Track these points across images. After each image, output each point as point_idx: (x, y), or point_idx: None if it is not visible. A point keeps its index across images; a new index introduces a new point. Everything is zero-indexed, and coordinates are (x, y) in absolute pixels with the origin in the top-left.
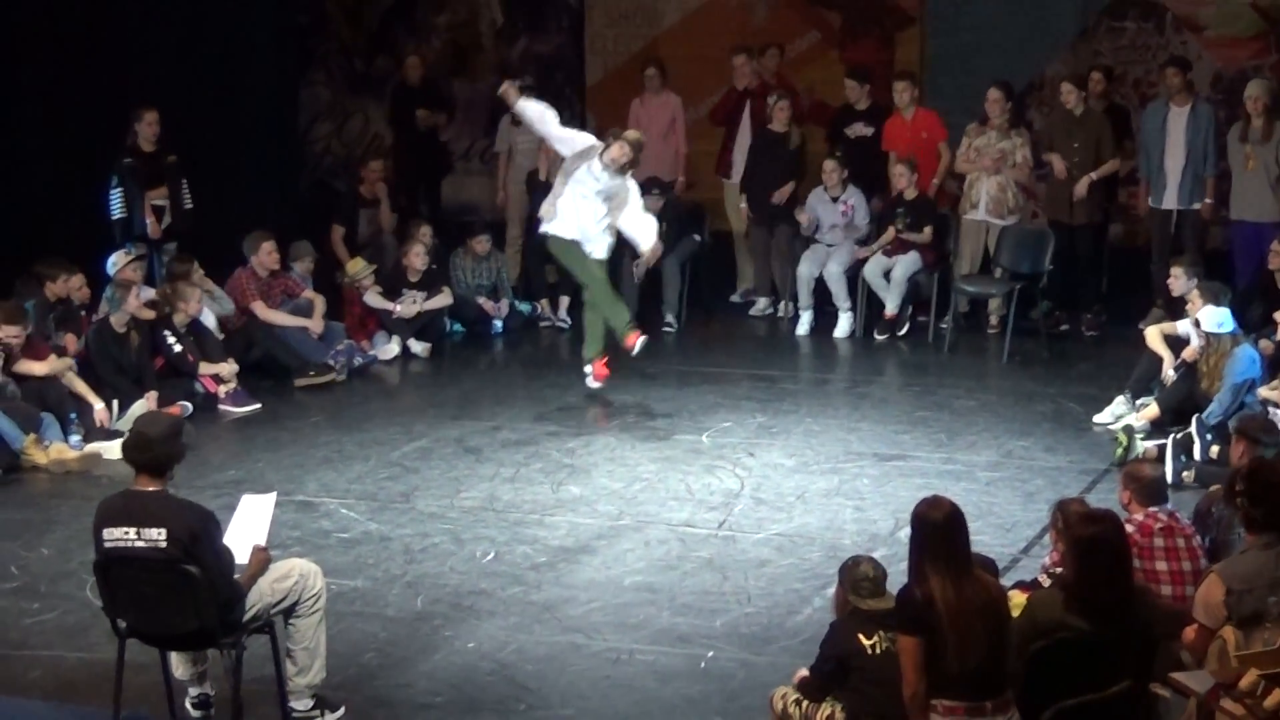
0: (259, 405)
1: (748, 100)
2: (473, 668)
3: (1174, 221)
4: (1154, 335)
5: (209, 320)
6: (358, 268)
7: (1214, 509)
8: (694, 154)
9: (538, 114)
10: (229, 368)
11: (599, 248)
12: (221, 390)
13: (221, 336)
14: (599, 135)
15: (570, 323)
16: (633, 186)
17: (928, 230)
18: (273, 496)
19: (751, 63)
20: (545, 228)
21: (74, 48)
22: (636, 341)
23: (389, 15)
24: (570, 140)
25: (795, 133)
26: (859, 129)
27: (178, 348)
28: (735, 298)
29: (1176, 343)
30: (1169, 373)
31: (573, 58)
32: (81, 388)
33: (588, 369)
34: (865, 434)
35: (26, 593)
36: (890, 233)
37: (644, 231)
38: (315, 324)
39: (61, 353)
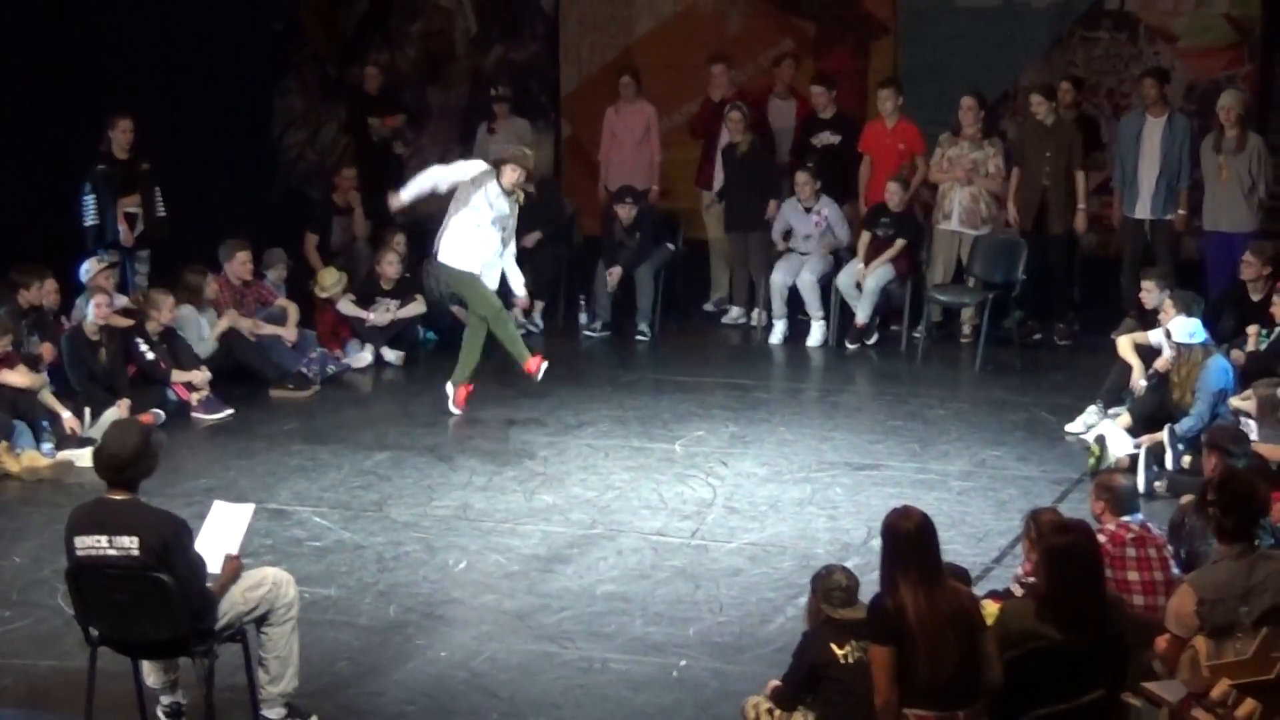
0: (231, 411)
1: (722, 111)
2: (445, 676)
3: (1147, 231)
4: (1125, 345)
5: (203, 332)
6: (329, 280)
7: (1186, 519)
8: (668, 162)
9: (427, 180)
10: (202, 375)
11: (492, 277)
12: (194, 398)
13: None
14: (570, 146)
15: (542, 327)
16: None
17: (899, 244)
18: (250, 508)
19: (729, 72)
20: (442, 258)
21: (47, 54)
22: (540, 366)
23: (363, 23)
24: (461, 168)
25: (745, 141)
26: (826, 137)
27: (150, 355)
28: (709, 306)
29: (1148, 352)
30: (1139, 382)
31: (548, 66)
32: (52, 402)
33: (450, 391)
34: (838, 443)
35: None
36: (866, 238)
37: (517, 275)
38: (289, 332)
39: (36, 361)
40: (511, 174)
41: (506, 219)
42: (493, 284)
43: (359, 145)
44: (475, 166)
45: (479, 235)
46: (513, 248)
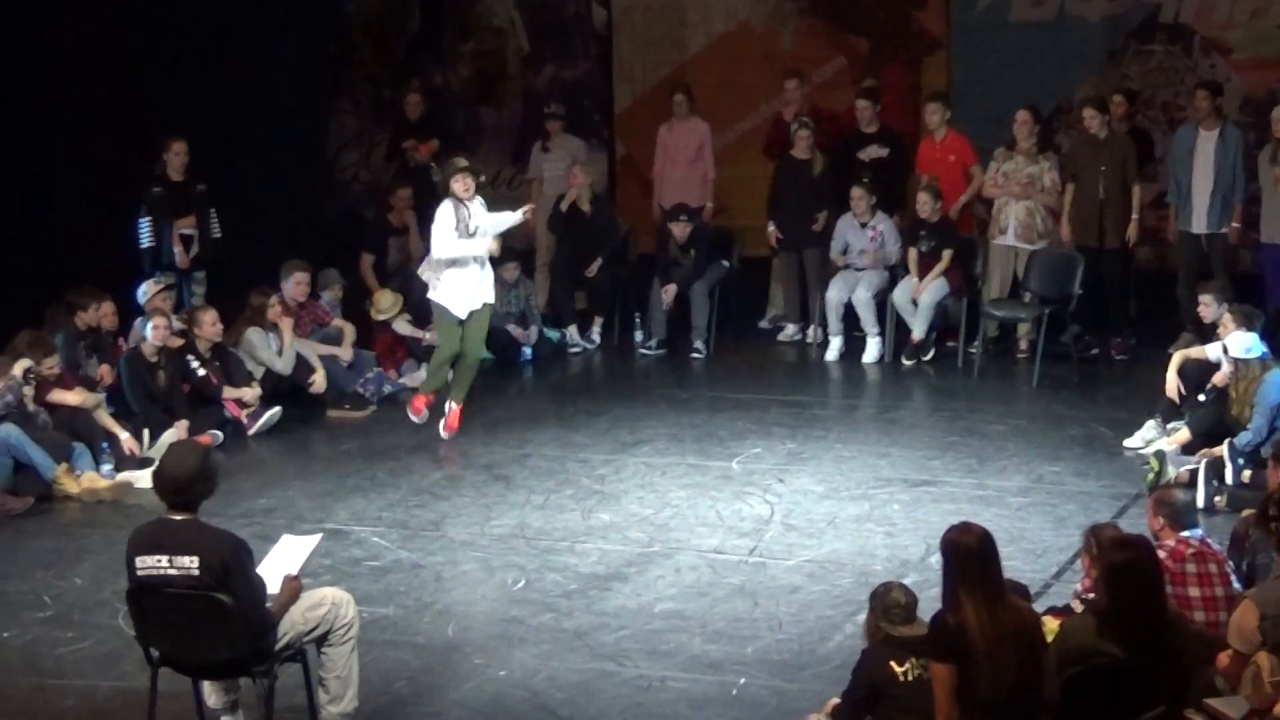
0: (278, 409)
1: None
2: (504, 695)
3: (1203, 245)
4: (1175, 361)
5: (277, 348)
6: (386, 302)
7: (1250, 532)
8: (722, 180)
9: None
10: (252, 392)
11: (484, 279)
12: (245, 415)
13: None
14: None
15: (599, 343)
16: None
17: (947, 254)
18: (317, 539)
19: (803, 88)
20: (436, 297)
21: (102, 78)
22: (421, 409)
23: (415, 43)
24: (443, 222)
25: (819, 160)
26: (873, 151)
27: (201, 371)
28: (764, 323)
29: (1207, 367)
30: (1174, 400)
31: (600, 84)
32: (109, 422)
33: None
34: (895, 459)
35: (60, 622)
36: (913, 254)
37: (503, 217)
38: (345, 352)
39: (94, 384)
40: (459, 184)
41: (471, 220)
42: (487, 287)
43: (398, 173)
44: (443, 218)
45: (467, 274)
46: (496, 222)
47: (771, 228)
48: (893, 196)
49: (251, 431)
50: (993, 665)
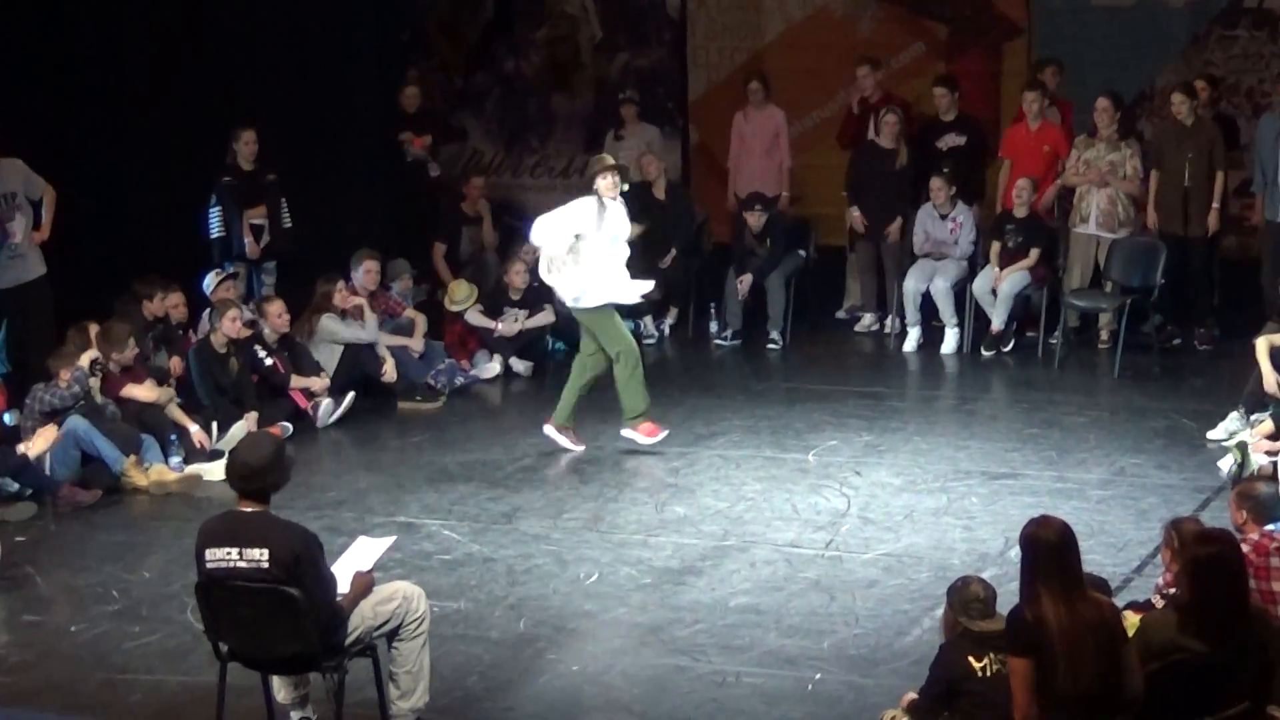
0: (353, 395)
1: (871, 114)
2: (577, 690)
3: None
4: (1262, 348)
5: (359, 334)
6: (461, 293)
7: None
8: (798, 168)
9: (551, 239)
10: (320, 382)
11: (629, 286)
12: (311, 406)
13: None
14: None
15: (672, 334)
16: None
17: (1035, 253)
18: (391, 539)
19: (875, 74)
20: (592, 301)
21: (172, 67)
22: (657, 434)
23: (488, 31)
24: (568, 217)
25: (904, 150)
26: (951, 140)
27: (268, 361)
28: (841, 313)
29: None
30: (1272, 387)
31: (674, 72)
32: (179, 416)
33: (551, 432)
34: (974, 452)
35: (128, 616)
36: (995, 247)
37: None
38: (416, 343)
39: (164, 376)
40: (606, 183)
41: (615, 224)
42: (633, 293)
43: (382, 169)
44: (577, 206)
45: (602, 266)
46: (627, 231)
47: (856, 212)
48: (970, 186)
49: (333, 417)
50: (1071, 660)
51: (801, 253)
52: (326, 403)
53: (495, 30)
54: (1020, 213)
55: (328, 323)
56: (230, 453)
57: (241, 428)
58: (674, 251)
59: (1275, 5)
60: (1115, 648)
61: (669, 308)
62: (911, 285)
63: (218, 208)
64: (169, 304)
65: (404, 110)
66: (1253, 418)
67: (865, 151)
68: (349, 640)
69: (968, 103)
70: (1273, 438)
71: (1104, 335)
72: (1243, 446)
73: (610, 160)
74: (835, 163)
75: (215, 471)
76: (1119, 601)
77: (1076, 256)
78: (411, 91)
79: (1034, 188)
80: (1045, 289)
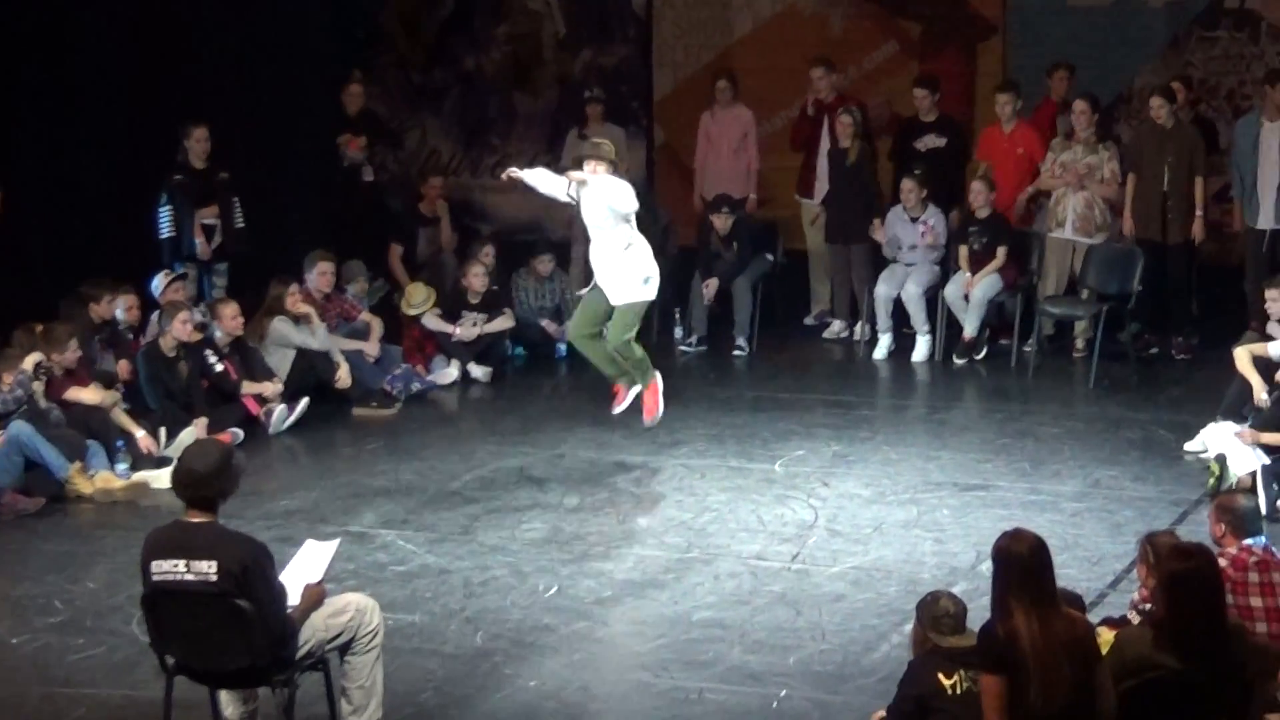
0: (306, 400)
1: (824, 116)
2: (535, 707)
3: (1268, 241)
4: (1243, 358)
5: (308, 340)
6: (418, 296)
7: None
8: (767, 170)
9: (544, 180)
10: (273, 387)
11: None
12: (263, 412)
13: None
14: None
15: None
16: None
17: (1001, 252)
18: (336, 543)
19: (830, 76)
20: (645, 284)
21: (122, 62)
22: (624, 400)
23: (447, 26)
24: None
25: (855, 147)
26: (930, 141)
27: (219, 366)
28: (809, 320)
29: (1267, 366)
30: (1261, 397)
31: (640, 70)
32: (125, 420)
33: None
34: (945, 463)
35: (71, 628)
36: (964, 251)
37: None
38: (371, 347)
39: (110, 379)
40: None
41: (592, 203)
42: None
43: (329, 170)
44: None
45: (595, 246)
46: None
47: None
48: (948, 189)
49: (287, 423)
50: (1044, 677)
51: (769, 257)
52: (279, 409)
53: (455, 26)
54: (981, 213)
55: (279, 326)
56: (178, 460)
57: (190, 434)
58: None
59: (1256, 6)
60: (1089, 665)
61: None
62: (883, 291)
63: (168, 207)
64: (124, 306)
65: (345, 111)
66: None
67: (828, 156)
68: (300, 654)
69: (942, 104)
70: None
71: (1079, 343)
72: (1221, 459)
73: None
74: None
75: (162, 479)
76: (1093, 617)
77: (1052, 262)
78: (354, 91)
79: (990, 185)
80: (1019, 295)
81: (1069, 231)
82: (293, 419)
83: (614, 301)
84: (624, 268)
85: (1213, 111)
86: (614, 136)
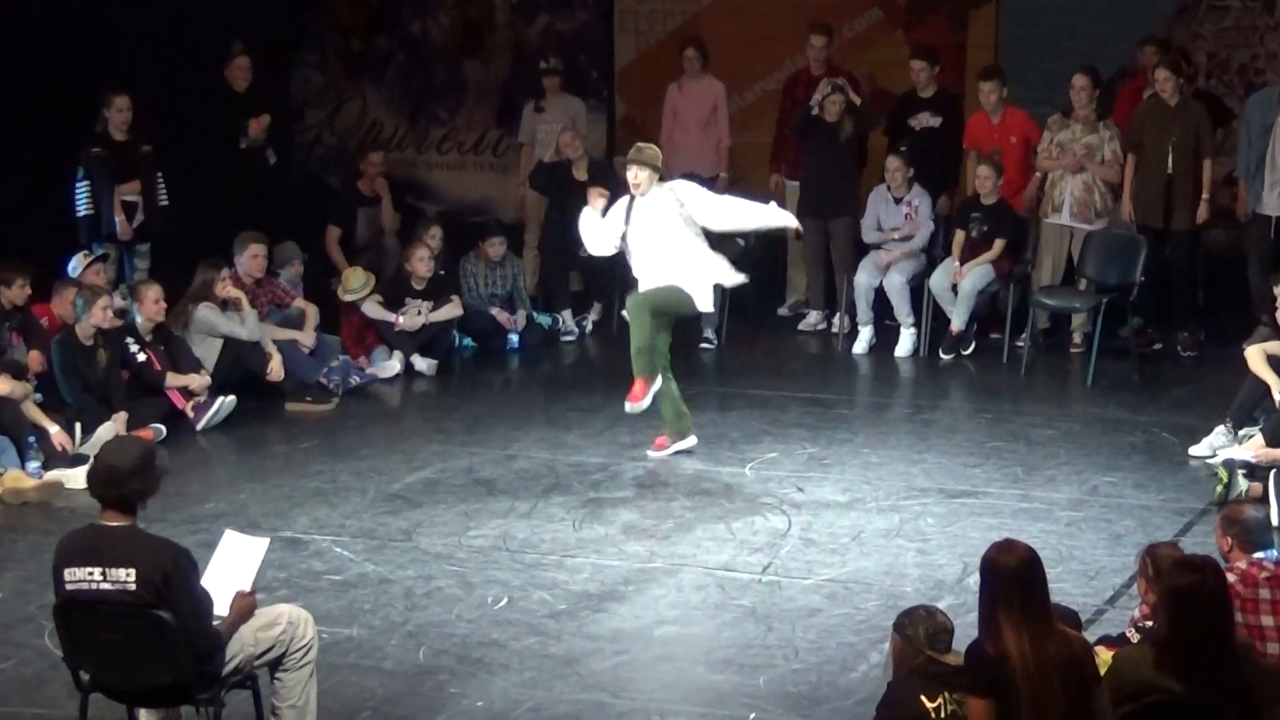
0: (232, 398)
1: (807, 86)
2: None
3: (1275, 229)
4: (1256, 356)
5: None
6: (355, 281)
7: None
8: (738, 146)
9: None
10: (200, 380)
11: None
12: (190, 406)
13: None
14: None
15: (594, 331)
16: (681, 191)
17: (999, 244)
18: (265, 543)
19: (830, 46)
20: (721, 282)
21: (37, 27)
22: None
23: None
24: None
25: (848, 123)
26: (925, 119)
27: (141, 356)
28: (784, 310)
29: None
30: (1278, 398)
31: (600, 37)
32: (38, 416)
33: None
34: (930, 467)
35: None
36: (959, 237)
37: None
38: (306, 337)
39: (21, 370)
40: (631, 176)
41: (654, 219)
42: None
43: (223, 153)
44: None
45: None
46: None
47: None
48: (940, 172)
49: (201, 425)
50: (1035, 701)
51: (740, 241)
52: (212, 403)
53: None
54: (988, 200)
55: (205, 313)
56: (94, 458)
57: (109, 430)
58: None
59: None
60: (1085, 688)
61: (591, 302)
62: (863, 280)
63: (86, 182)
64: (25, 291)
65: (232, 87)
66: (1241, 433)
67: (808, 129)
68: (227, 669)
69: (940, 78)
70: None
71: (1077, 338)
72: (1229, 466)
73: (646, 153)
74: None
75: (77, 479)
76: (1089, 636)
77: (1047, 250)
78: (240, 64)
79: (999, 169)
80: (1012, 286)
81: (1066, 217)
82: (211, 415)
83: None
84: (692, 273)
85: (1222, 87)
86: (573, 109)
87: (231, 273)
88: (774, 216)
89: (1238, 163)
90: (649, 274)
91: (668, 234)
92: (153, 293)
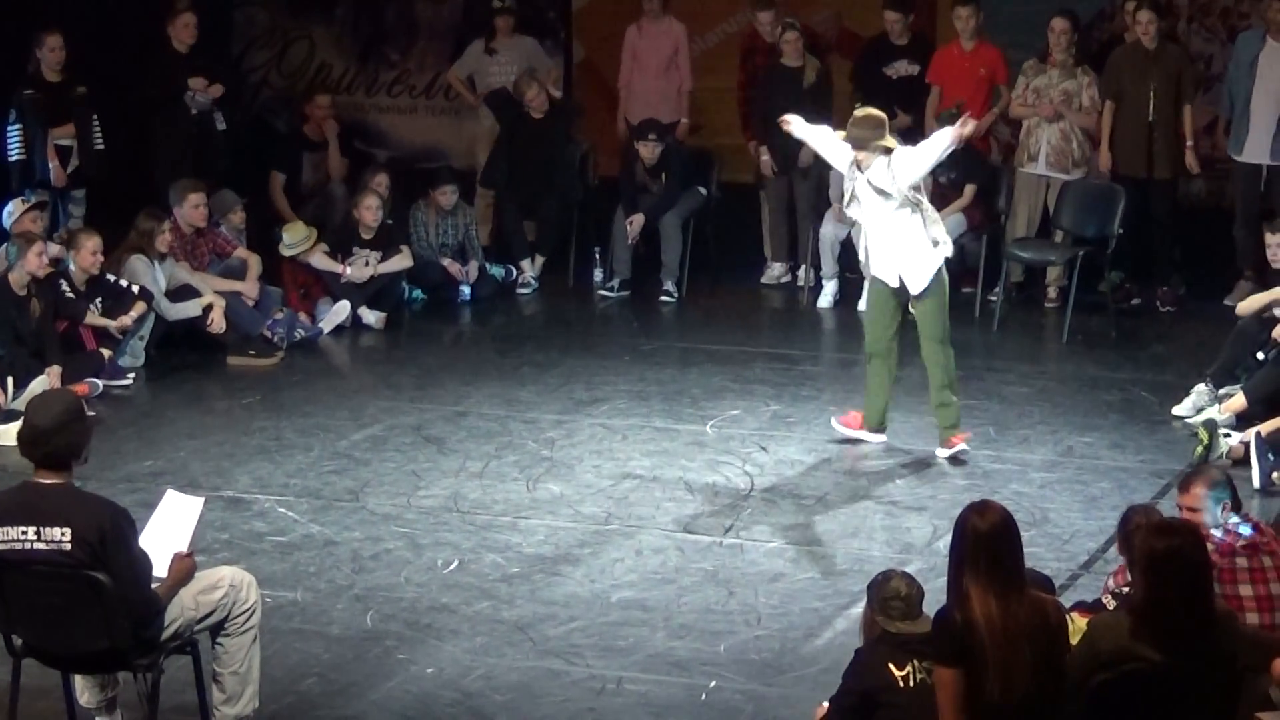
0: (130, 381)
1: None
2: (432, 696)
3: (1263, 179)
4: (1249, 304)
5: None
6: (296, 235)
7: None
8: (700, 91)
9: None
10: (119, 323)
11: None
12: (107, 353)
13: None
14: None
15: (536, 287)
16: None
17: (970, 190)
18: (200, 501)
19: (779, 21)
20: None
21: None
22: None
23: None
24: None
25: (810, 67)
26: (902, 67)
27: (70, 294)
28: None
29: (1269, 321)
30: None
31: None
32: None
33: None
34: (898, 426)
35: None
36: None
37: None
38: (249, 287)
39: None
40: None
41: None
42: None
43: (167, 118)
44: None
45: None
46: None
47: (765, 156)
48: (920, 123)
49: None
50: (1003, 667)
51: (702, 190)
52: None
53: None
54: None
55: (135, 264)
56: (23, 414)
57: (41, 384)
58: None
59: None
60: (1055, 655)
61: (540, 253)
62: (828, 231)
63: (17, 126)
64: None
65: (173, 48)
66: (1221, 392)
67: (768, 75)
68: (166, 634)
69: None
70: (1243, 415)
71: (1052, 293)
72: (1210, 426)
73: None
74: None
75: (9, 435)
76: (1064, 602)
77: (1022, 200)
78: (185, 21)
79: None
80: (984, 238)
81: (1042, 166)
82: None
83: (914, 290)
84: (916, 248)
85: (1205, 31)
86: (529, 50)
87: (172, 223)
88: (950, 137)
89: (1221, 104)
90: (880, 257)
91: (889, 211)
92: (91, 243)
